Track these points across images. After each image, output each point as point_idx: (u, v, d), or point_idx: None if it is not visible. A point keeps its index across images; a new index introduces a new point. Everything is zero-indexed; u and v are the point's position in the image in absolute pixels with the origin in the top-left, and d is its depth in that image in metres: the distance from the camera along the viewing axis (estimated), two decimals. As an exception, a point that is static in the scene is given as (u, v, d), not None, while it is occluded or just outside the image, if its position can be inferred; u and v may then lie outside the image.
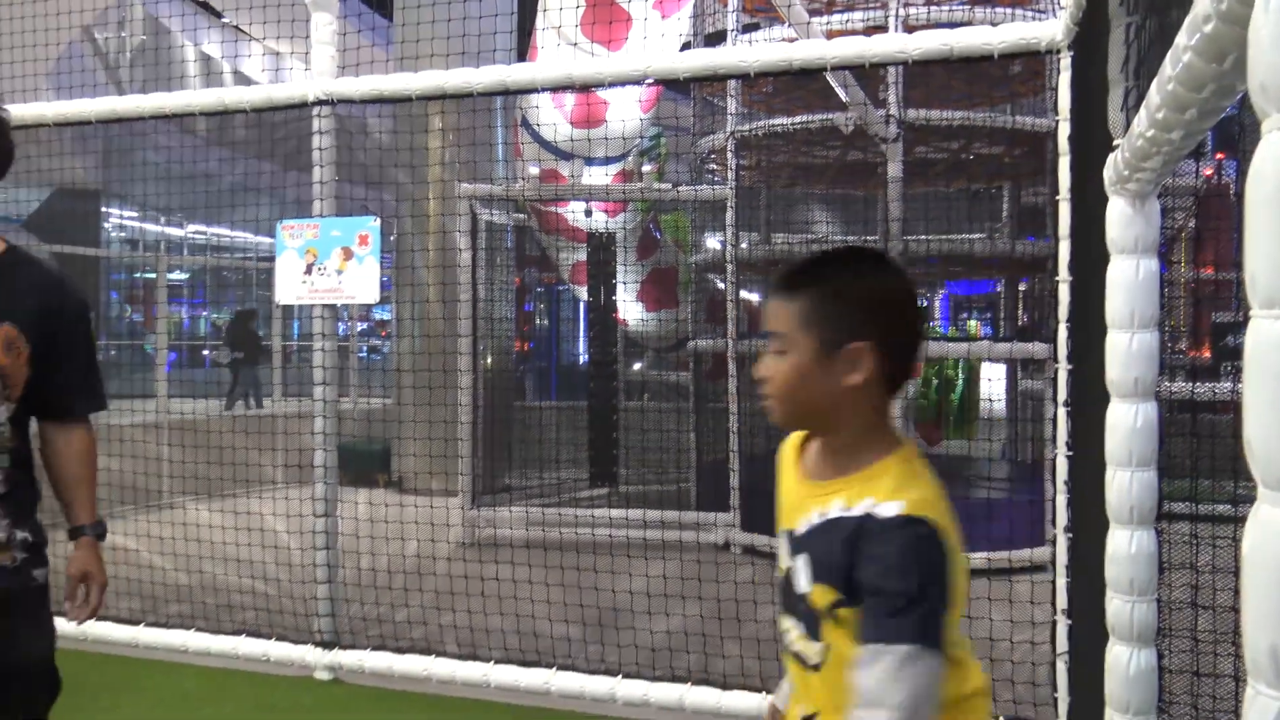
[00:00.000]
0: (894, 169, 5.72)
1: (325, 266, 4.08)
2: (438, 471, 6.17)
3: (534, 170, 7.56)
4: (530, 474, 7.13)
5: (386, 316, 11.45)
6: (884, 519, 1.21)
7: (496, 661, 3.75)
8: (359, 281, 4.05)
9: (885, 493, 1.23)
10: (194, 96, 4.31)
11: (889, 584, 1.19)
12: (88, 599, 2.12)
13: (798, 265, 1.33)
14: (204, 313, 17.10)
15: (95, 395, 2.20)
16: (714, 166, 7.37)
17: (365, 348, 12.84)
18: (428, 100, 4.01)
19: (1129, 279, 2.02)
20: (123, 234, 13.28)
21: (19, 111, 4.58)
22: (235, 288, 13.10)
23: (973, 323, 13.54)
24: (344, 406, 5.80)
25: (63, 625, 2.14)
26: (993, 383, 7.09)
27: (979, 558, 4.75)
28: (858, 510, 1.23)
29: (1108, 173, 2.03)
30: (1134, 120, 1.71)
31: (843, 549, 1.23)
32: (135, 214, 12.77)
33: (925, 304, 1.70)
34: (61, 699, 2.11)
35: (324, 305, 4.11)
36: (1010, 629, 3.54)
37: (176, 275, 15.33)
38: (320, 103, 4.04)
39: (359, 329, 11.71)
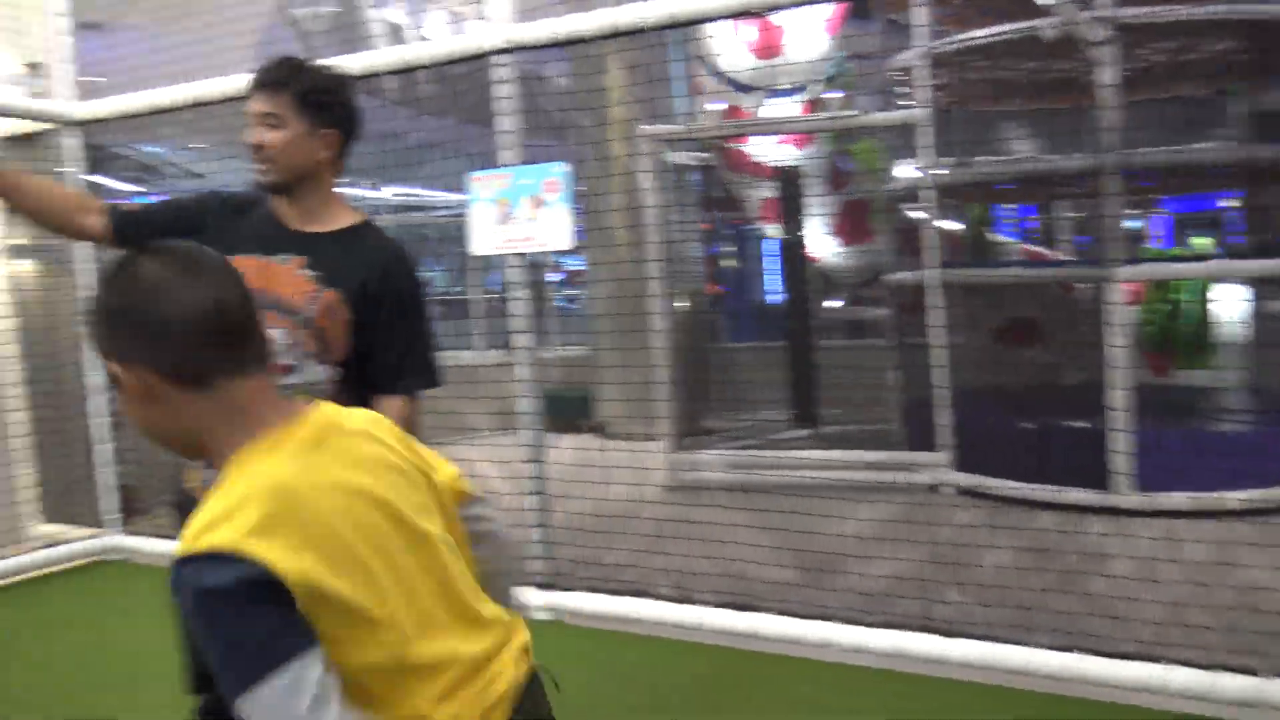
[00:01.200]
0: (1106, 76, 5.23)
1: (516, 215, 4.09)
2: (638, 416, 6.19)
3: (715, 107, 7.39)
4: (730, 416, 7.06)
5: (579, 266, 11.59)
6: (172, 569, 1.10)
7: (708, 604, 3.73)
8: (550, 229, 4.04)
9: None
10: (377, 57, 4.40)
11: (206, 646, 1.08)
12: None
13: None
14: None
15: (415, 373, 2.24)
16: (904, 89, 6.97)
17: (561, 296, 13.08)
18: (602, 40, 3.94)
19: None
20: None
21: (224, 88, 4.80)
22: (435, 243, 13.58)
23: (1203, 240, 12.38)
24: (544, 355, 5.89)
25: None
26: (1229, 305, 6.45)
27: (1234, 498, 4.34)
28: None
29: None
30: None
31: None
32: (344, 180, 13.37)
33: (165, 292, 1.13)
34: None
35: (517, 254, 4.14)
36: (1275, 576, 3.20)
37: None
38: (499, 51, 4.03)
39: (553, 279, 11.92)
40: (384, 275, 2.17)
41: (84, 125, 5.39)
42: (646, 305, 5.72)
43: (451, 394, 5.28)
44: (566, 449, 4.67)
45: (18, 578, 4.91)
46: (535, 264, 4.14)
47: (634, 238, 6.48)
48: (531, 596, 4.08)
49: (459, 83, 5.60)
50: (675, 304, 6.50)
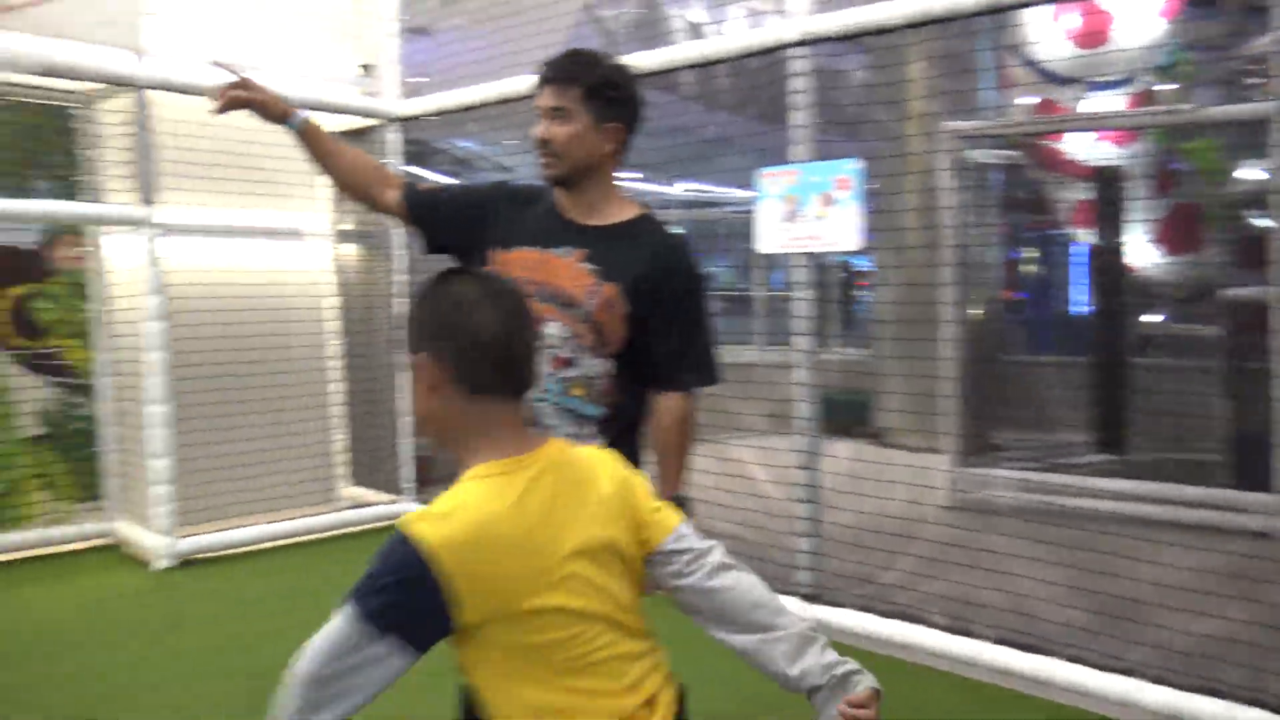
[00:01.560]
0: None
1: (804, 214, 3.96)
2: (920, 426, 5.86)
3: (1026, 101, 6.86)
4: (1022, 434, 6.54)
5: (865, 266, 11.26)
6: None
7: (987, 639, 3.43)
8: (838, 228, 3.88)
9: None
10: (675, 52, 4.39)
11: None
12: None
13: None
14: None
15: (694, 369, 2.20)
16: (1254, 80, 6.15)
17: (847, 296, 12.78)
18: (910, 28, 3.70)
19: None
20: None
21: (528, 85, 4.98)
22: (723, 239, 13.69)
23: None
24: (825, 356, 5.71)
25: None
26: None
27: None
28: None
29: None
30: None
31: None
32: (638, 175, 13.75)
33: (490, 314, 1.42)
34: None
35: (803, 253, 4.01)
36: None
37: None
38: (797, 44, 3.91)
39: (839, 278, 11.65)
40: (663, 269, 2.13)
41: (405, 122, 5.81)
42: (936, 310, 5.40)
43: (728, 392, 5.23)
44: (842, 456, 4.48)
45: (327, 534, 5.39)
46: (821, 263, 3.99)
47: (927, 239, 6.15)
48: (794, 607, 3.95)
49: (754, 77, 5.54)
50: (968, 310, 6.10)
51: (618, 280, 2.10)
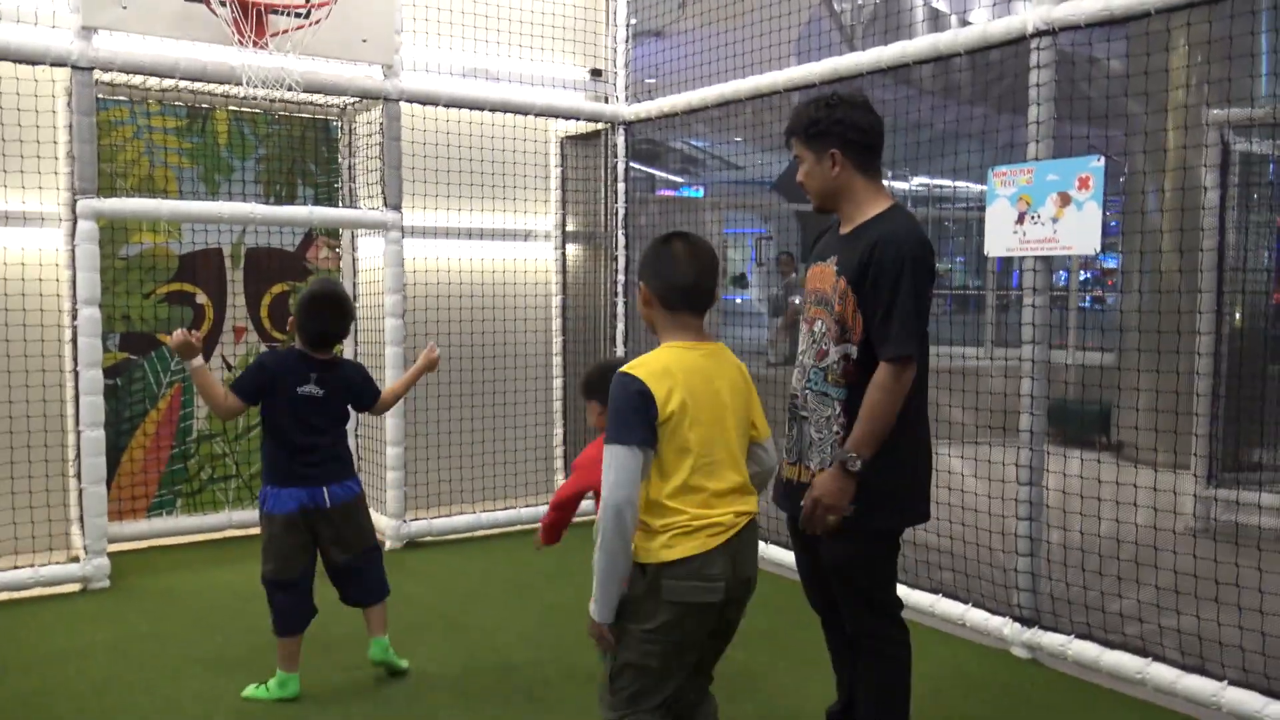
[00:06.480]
0: None
1: (1039, 214, 3.75)
2: (1166, 441, 5.39)
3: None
4: (1287, 453, 5.88)
5: (1113, 264, 10.49)
6: None
7: (1231, 682, 3.13)
8: (1077, 230, 3.65)
9: None
10: (908, 46, 4.24)
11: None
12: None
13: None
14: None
15: (886, 342, 2.39)
16: None
17: (1089, 298, 11.93)
18: (1170, 12, 3.40)
19: None
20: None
21: (752, 85, 4.97)
22: (953, 238, 13.14)
23: None
24: (1058, 360, 5.35)
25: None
26: None
27: None
28: None
29: None
30: None
31: None
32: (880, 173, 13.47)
33: (682, 258, 2.16)
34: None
35: (1036, 257, 3.79)
36: None
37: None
38: (1040, 34, 3.68)
39: (1081, 278, 10.89)
40: (873, 257, 2.41)
41: (631, 125, 5.95)
42: (1190, 318, 4.95)
43: (947, 399, 5.00)
44: (1072, 470, 4.20)
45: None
46: (1059, 263, 3.76)
47: (1183, 238, 5.65)
48: (1009, 630, 3.76)
49: (993, 69, 5.27)
50: (1228, 314, 5.56)
51: (847, 274, 2.45)
